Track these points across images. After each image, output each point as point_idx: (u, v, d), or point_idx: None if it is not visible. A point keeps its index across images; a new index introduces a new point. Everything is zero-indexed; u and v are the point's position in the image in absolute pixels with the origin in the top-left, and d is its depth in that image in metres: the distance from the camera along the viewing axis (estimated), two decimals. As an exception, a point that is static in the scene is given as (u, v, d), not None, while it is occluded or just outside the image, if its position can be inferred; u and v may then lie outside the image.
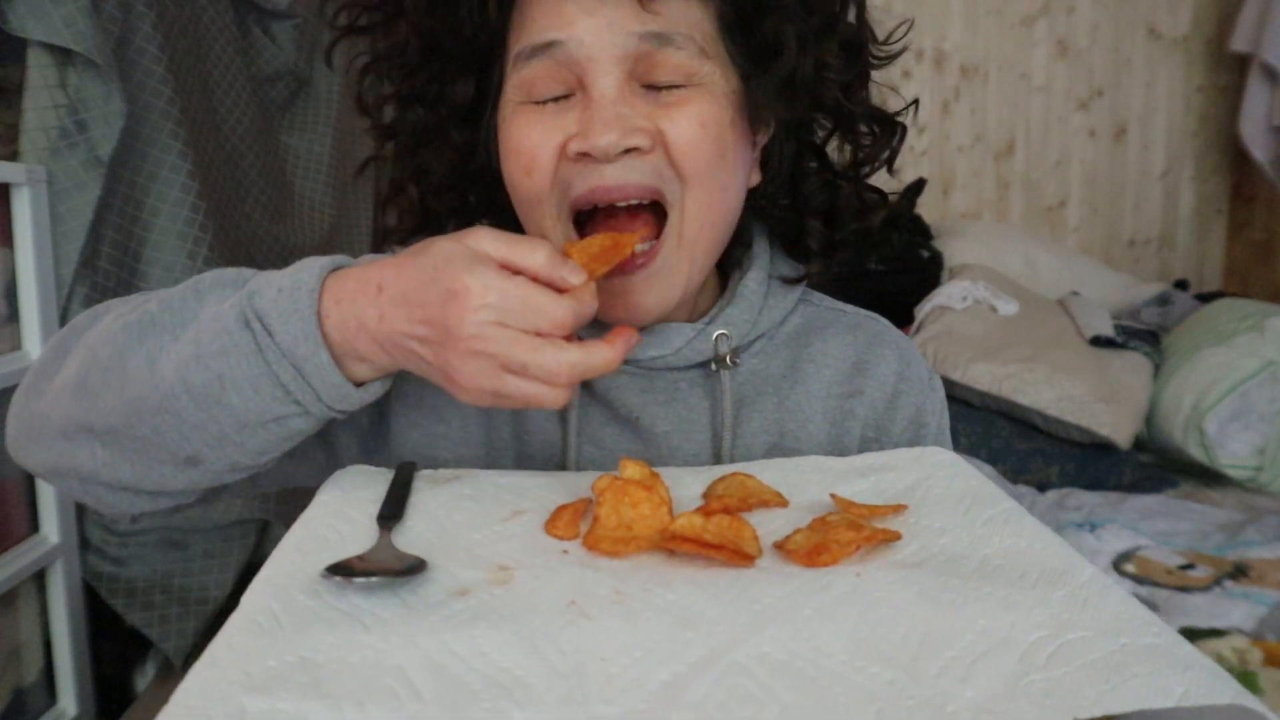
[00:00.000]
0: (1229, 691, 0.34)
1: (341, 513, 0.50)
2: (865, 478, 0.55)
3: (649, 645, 0.36)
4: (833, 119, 0.66)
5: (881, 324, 0.73)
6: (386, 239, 0.69)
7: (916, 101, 0.69)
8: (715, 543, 0.44)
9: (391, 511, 0.50)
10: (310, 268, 0.53)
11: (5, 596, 1.20)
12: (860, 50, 0.64)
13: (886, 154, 0.67)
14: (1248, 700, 0.33)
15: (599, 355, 0.50)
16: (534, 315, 0.48)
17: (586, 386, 0.66)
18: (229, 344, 0.51)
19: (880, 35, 0.66)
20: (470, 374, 0.49)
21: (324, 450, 0.66)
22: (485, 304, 0.47)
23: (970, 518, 0.49)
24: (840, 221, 0.68)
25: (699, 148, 0.58)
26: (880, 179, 0.69)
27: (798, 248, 0.70)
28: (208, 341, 0.52)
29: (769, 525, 0.49)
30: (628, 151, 0.57)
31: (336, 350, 0.52)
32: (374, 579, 0.41)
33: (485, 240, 0.50)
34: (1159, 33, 2.96)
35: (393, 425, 0.66)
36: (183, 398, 0.52)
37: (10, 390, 1.19)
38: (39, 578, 1.26)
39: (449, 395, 0.63)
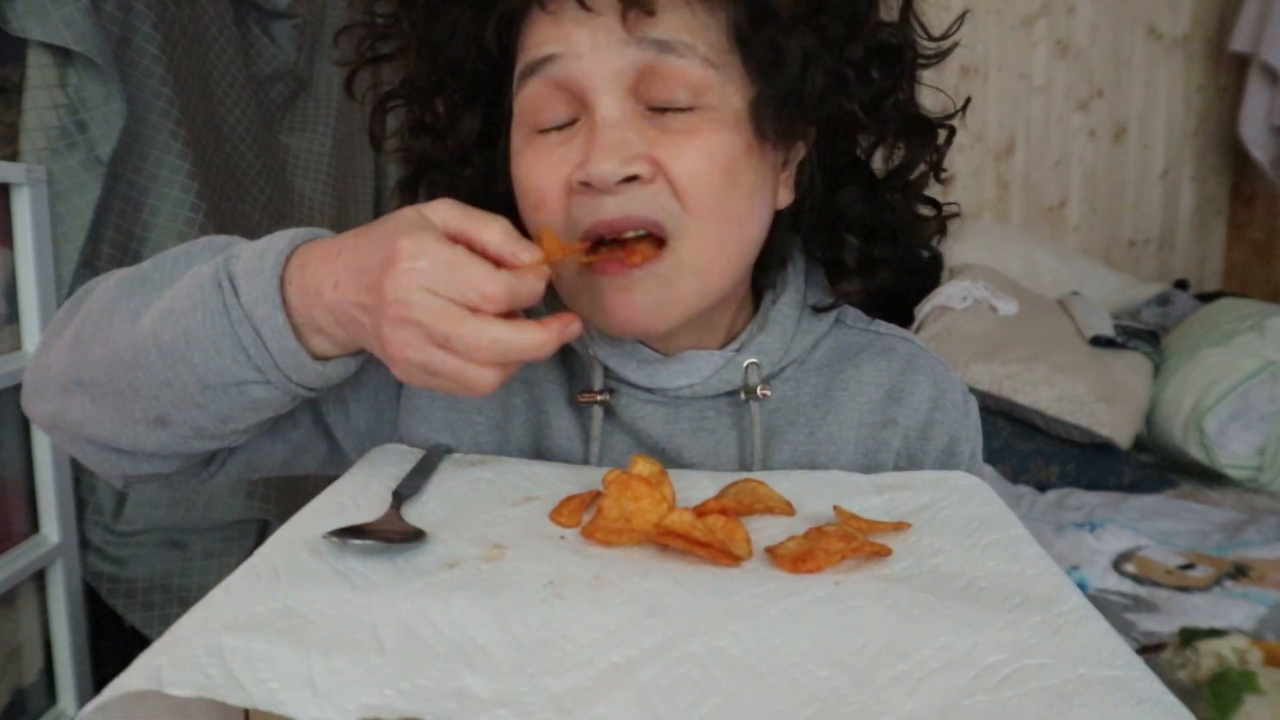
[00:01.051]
0: None
1: (365, 485, 0.52)
2: (880, 495, 0.55)
3: (611, 628, 0.37)
4: (870, 129, 0.61)
5: (916, 347, 0.69)
6: None
7: (969, 100, 0.64)
8: (704, 540, 0.44)
9: (408, 487, 0.51)
10: (287, 234, 0.53)
11: (5, 596, 1.20)
12: (898, 52, 0.59)
13: (929, 160, 0.62)
14: None
15: (528, 336, 0.47)
16: (463, 285, 0.46)
17: (610, 415, 0.63)
18: (199, 300, 0.51)
19: (931, 30, 0.60)
20: (400, 344, 0.47)
21: (326, 442, 0.66)
22: (414, 268, 0.46)
23: (971, 540, 0.48)
24: (881, 237, 0.64)
25: (705, 181, 0.55)
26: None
27: (836, 266, 0.66)
28: (182, 298, 0.52)
29: (767, 531, 0.49)
30: (629, 180, 0.54)
31: (298, 319, 0.51)
32: (370, 544, 0.43)
33: (441, 209, 0.49)
34: (1159, 33, 2.96)
35: (404, 438, 0.65)
36: (152, 352, 0.52)
37: (10, 390, 1.20)
38: (39, 578, 1.26)
39: (463, 413, 0.64)
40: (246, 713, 0.38)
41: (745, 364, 0.63)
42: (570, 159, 0.55)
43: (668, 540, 0.45)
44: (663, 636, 0.37)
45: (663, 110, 0.55)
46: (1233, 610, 1.34)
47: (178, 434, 0.56)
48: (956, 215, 0.66)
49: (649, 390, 0.63)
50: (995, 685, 0.34)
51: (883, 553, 0.46)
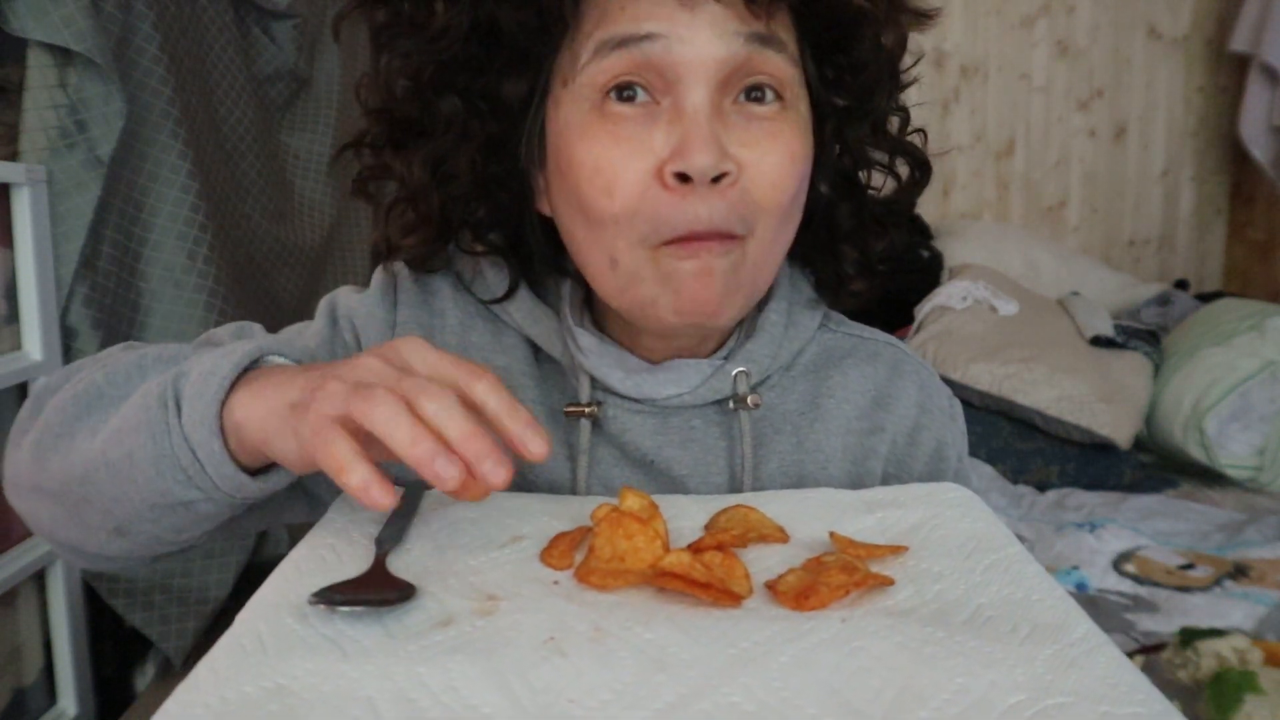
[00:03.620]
0: None
1: (344, 533, 0.50)
2: (872, 513, 0.54)
3: (618, 687, 0.36)
4: (886, 156, 0.63)
5: (901, 352, 0.69)
6: (392, 256, 0.63)
7: (921, 128, 0.66)
8: (704, 581, 0.43)
9: (390, 535, 0.49)
10: (234, 354, 0.49)
11: (5, 596, 1.20)
12: (899, 80, 0.61)
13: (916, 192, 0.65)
14: None
15: (352, 466, 0.40)
16: (416, 383, 0.41)
17: (598, 428, 0.62)
18: (144, 420, 0.49)
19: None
20: (325, 396, 0.42)
21: (305, 500, 0.64)
22: (384, 354, 0.43)
23: (971, 563, 0.48)
24: (869, 244, 0.65)
25: (784, 186, 0.55)
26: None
27: (826, 273, 0.66)
28: (130, 415, 0.50)
29: (764, 562, 0.48)
30: (718, 179, 0.52)
31: (236, 440, 0.48)
32: (359, 609, 0.41)
33: (423, 349, 0.45)
34: (1159, 33, 2.96)
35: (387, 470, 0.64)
36: (102, 470, 0.51)
37: (10, 390, 1.20)
38: (39, 578, 1.26)
39: None
40: None
41: (734, 373, 0.62)
42: (653, 147, 0.53)
43: (665, 583, 0.43)
44: (673, 695, 0.36)
45: (745, 102, 0.54)
46: (1233, 610, 1.34)
47: (137, 542, 0.55)
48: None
49: (636, 401, 0.62)
50: None
51: (885, 583, 0.45)
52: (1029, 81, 2.97)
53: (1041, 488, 1.96)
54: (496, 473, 0.40)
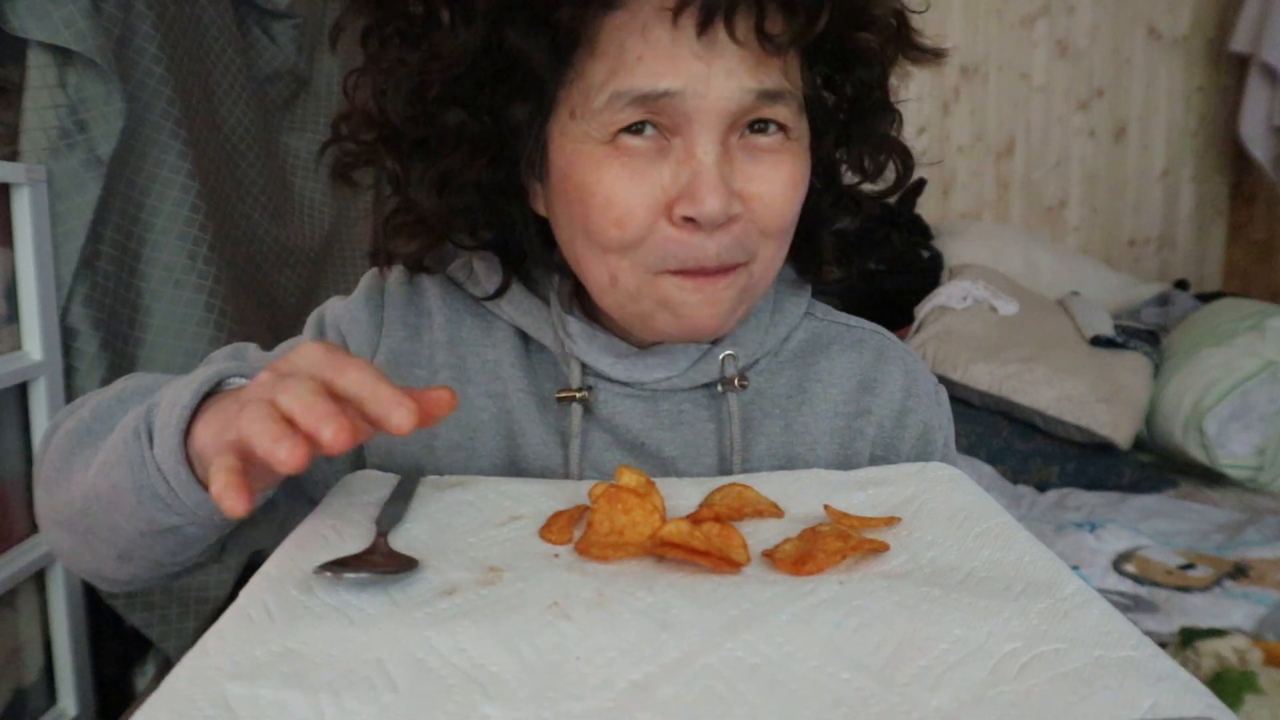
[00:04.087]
0: (1200, 704, 0.33)
1: (344, 515, 0.51)
2: (863, 490, 0.55)
3: (624, 646, 0.37)
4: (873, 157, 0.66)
5: (886, 338, 0.72)
6: (390, 262, 0.65)
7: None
8: (703, 549, 0.44)
9: (390, 514, 0.50)
10: (194, 383, 0.50)
11: (5, 596, 1.20)
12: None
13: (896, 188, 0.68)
14: (1218, 713, 0.33)
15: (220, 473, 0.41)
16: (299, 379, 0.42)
17: (589, 412, 0.64)
18: (123, 454, 0.51)
19: None
20: (255, 386, 0.44)
21: (308, 507, 0.63)
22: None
23: (962, 531, 0.49)
24: (848, 234, 0.68)
25: (785, 211, 0.58)
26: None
27: (805, 259, 0.68)
28: (112, 449, 0.53)
29: (761, 535, 0.49)
30: (726, 220, 0.55)
31: (199, 465, 0.49)
32: (364, 575, 0.42)
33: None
34: (1159, 33, 2.96)
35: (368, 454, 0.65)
36: (94, 502, 0.53)
37: (10, 390, 1.20)
38: (39, 578, 1.26)
39: (422, 442, 0.63)
40: None
41: (721, 356, 0.64)
42: (662, 184, 0.55)
43: (665, 552, 0.44)
44: (677, 651, 0.37)
45: (749, 134, 0.56)
46: (1233, 610, 1.34)
47: (141, 566, 0.58)
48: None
49: (626, 384, 0.64)
50: (1016, 674, 0.35)
51: (880, 549, 0.46)
52: (1029, 81, 2.97)
53: (1041, 488, 1.96)
54: (338, 437, 0.40)
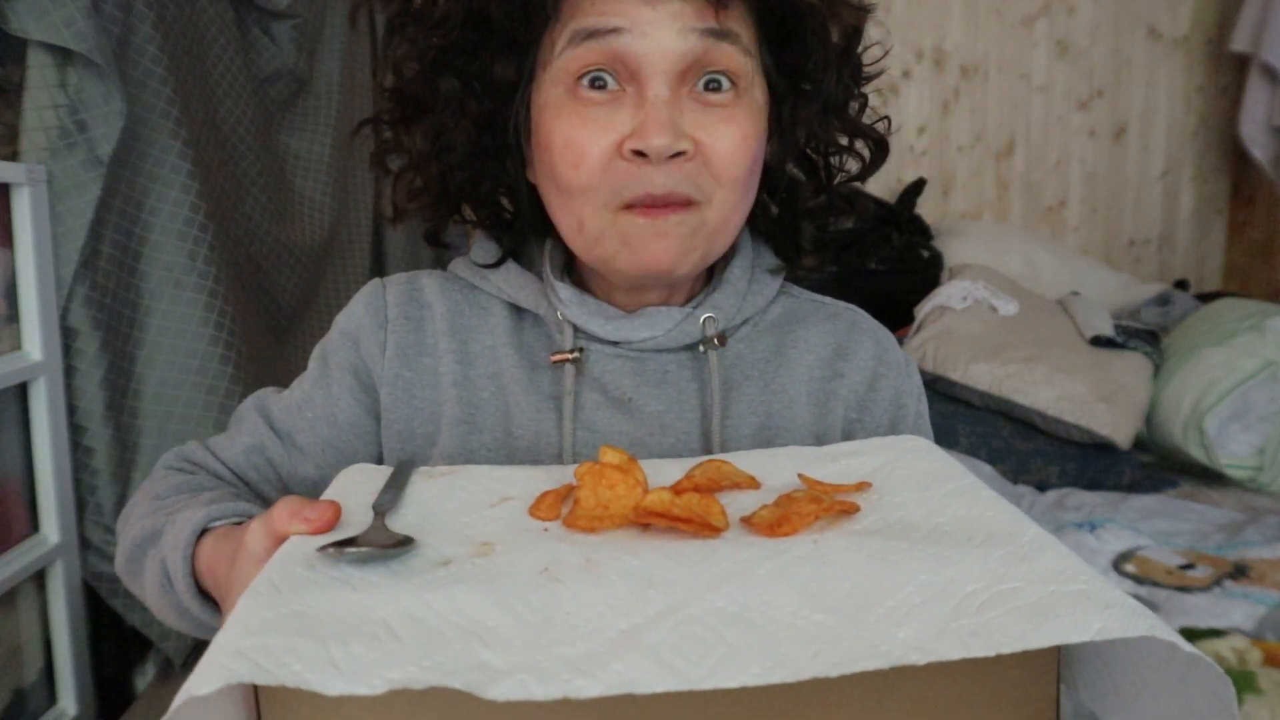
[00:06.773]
0: (1143, 625, 0.36)
1: (342, 502, 0.54)
2: (836, 462, 0.58)
3: (612, 601, 0.40)
4: (846, 138, 0.70)
5: (859, 314, 0.76)
6: (399, 219, 0.71)
7: (889, 118, 0.73)
8: (684, 516, 0.47)
9: (386, 500, 0.53)
10: (179, 547, 0.60)
11: (5, 596, 1.20)
12: (861, 69, 0.68)
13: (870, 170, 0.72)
14: (1160, 631, 0.36)
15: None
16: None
17: (581, 372, 0.69)
18: (161, 598, 0.63)
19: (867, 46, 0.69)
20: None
21: None
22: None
23: (930, 493, 0.52)
24: (825, 222, 0.73)
25: (737, 161, 0.62)
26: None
27: (785, 246, 0.74)
28: (150, 584, 0.63)
29: (739, 504, 0.51)
30: (675, 156, 0.59)
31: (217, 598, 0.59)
32: (364, 551, 0.44)
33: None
34: (1159, 33, 2.96)
35: (384, 452, 0.71)
36: (159, 610, 0.65)
37: (10, 391, 1.20)
38: (39, 578, 1.26)
39: (441, 419, 0.70)
40: (259, 714, 0.38)
41: (703, 319, 0.69)
42: (617, 127, 0.60)
43: (648, 520, 0.47)
44: (662, 604, 0.39)
45: (705, 90, 0.61)
46: (1233, 610, 1.34)
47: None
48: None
49: (615, 344, 0.69)
50: (976, 609, 0.38)
51: (851, 510, 0.49)
52: (1029, 81, 2.97)
53: (1041, 488, 1.96)
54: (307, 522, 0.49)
